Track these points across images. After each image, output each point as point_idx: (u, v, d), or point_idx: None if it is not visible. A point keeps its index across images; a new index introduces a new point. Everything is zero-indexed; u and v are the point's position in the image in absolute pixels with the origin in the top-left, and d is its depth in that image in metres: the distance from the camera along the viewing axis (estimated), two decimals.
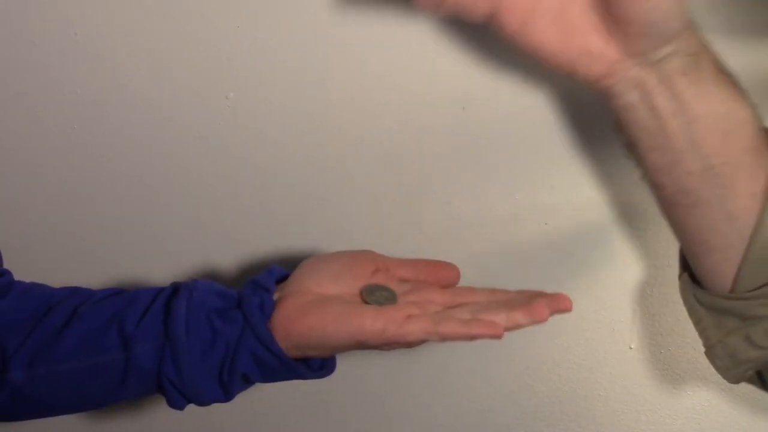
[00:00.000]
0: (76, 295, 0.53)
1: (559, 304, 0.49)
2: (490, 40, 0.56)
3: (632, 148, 0.48)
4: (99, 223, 0.65)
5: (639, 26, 0.43)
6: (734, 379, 0.51)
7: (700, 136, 0.45)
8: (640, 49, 0.44)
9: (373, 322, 0.46)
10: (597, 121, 0.58)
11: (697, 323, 0.51)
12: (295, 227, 0.65)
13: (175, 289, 0.51)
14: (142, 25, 0.57)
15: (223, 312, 0.49)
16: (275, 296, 0.50)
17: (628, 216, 0.52)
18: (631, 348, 0.66)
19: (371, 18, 0.56)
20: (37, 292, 0.53)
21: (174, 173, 0.63)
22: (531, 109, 0.58)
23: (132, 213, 0.65)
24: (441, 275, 0.54)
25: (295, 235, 0.65)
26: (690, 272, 0.51)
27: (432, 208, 0.63)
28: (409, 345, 0.48)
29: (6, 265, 0.56)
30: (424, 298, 0.50)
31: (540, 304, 0.47)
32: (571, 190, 0.61)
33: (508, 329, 0.47)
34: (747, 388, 0.66)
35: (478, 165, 0.61)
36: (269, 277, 0.50)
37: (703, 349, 0.52)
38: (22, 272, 0.56)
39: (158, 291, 0.51)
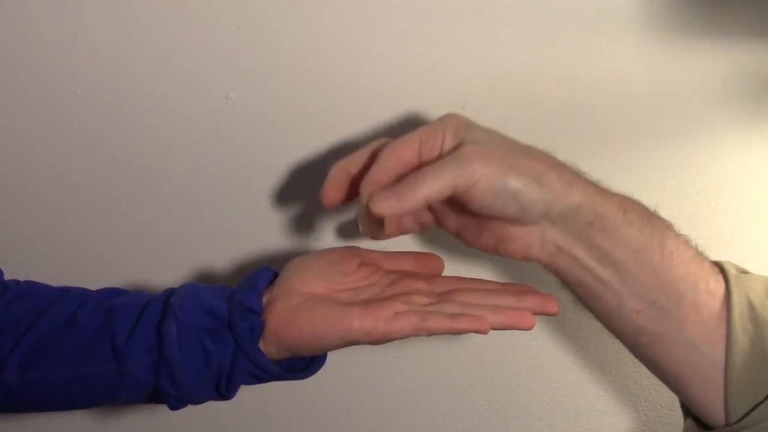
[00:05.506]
0: (69, 295, 0.53)
1: (545, 307, 0.50)
2: (491, 41, 0.56)
3: (580, 302, 0.49)
4: (99, 221, 0.65)
5: (505, 217, 0.46)
6: None
7: (630, 276, 0.45)
8: (525, 223, 0.46)
9: (360, 322, 0.47)
10: (597, 130, 0.58)
11: None
12: (295, 226, 0.65)
13: (164, 306, 0.51)
14: (142, 25, 0.57)
15: (214, 332, 0.50)
16: (264, 299, 0.50)
17: None
18: None
19: (371, 18, 0.56)
20: (30, 291, 0.53)
21: (174, 173, 0.63)
22: (530, 110, 0.58)
23: (132, 212, 0.65)
24: (426, 266, 0.54)
25: (295, 233, 0.65)
26: (693, 415, 0.49)
27: None
28: (398, 338, 0.49)
29: (5, 264, 0.56)
30: (412, 288, 0.51)
31: (526, 311, 0.48)
32: None
33: (494, 328, 0.48)
34: None
35: None
36: (255, 296, 0.50)
37: None
38: (21, 271, 0.56)
39: (147, 301, 0.52)
